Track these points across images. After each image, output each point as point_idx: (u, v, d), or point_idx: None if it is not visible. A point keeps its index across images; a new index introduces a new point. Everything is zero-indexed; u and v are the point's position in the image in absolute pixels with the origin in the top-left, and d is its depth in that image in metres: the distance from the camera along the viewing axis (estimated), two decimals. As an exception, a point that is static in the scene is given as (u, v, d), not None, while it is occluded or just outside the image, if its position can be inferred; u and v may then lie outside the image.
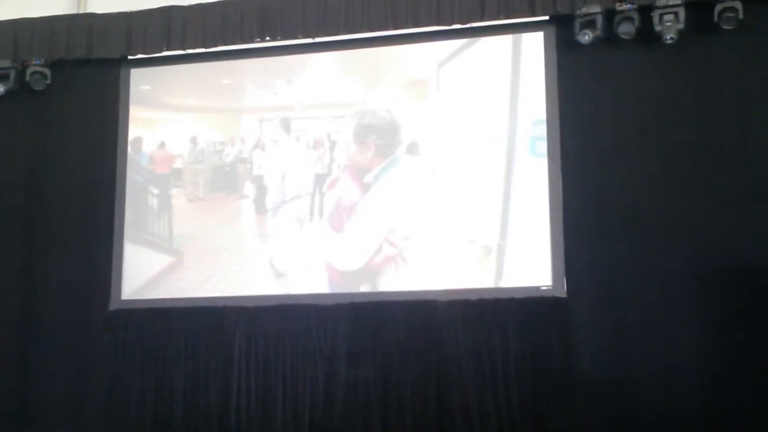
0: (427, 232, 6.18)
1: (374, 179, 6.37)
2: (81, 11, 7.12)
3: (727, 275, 5.52)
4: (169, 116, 6.90)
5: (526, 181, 6.07)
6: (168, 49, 6.69)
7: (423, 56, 6.44)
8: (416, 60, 6.46)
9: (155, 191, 6.80)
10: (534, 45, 6.23)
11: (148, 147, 6.85)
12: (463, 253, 6.09)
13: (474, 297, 5.93)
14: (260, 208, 6.59)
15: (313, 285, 6.34)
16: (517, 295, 5.88)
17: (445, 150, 6.28)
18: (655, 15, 5.76)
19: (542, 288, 5.88)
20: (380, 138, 6.39)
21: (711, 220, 5.65)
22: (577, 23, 5.93)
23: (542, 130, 6.09)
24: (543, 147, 6.07)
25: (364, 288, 6.25)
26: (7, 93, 6.80)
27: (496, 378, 5.76)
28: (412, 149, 6.35)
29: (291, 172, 6.57)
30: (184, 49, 6.67)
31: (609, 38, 5.92)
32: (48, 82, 6.80)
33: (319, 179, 6.51)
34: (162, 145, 6.84)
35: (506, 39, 6.29)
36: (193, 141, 6.78)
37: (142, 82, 6.91)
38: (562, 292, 5.81)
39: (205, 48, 6.63)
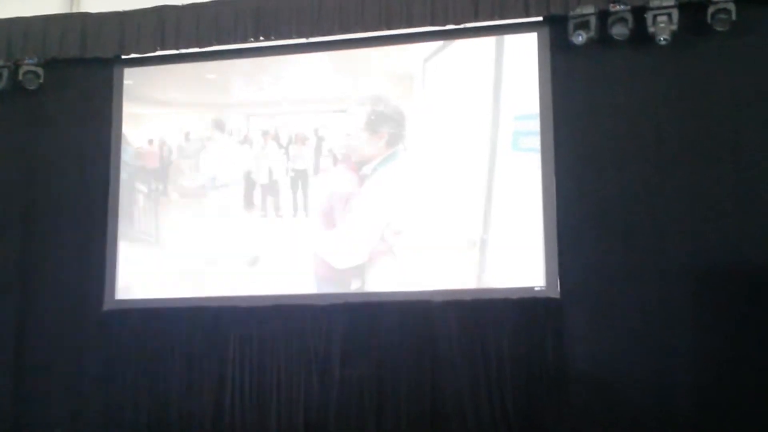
0: (417, 226, 6.19)
1: (372, 171, 6.36)
2: (74, 10, 7.10)
3: (722, 276, 5.54)
4: (155, 111, 6.89)
5: (512, 179, 6.10)
6: (162, 49, 6.68)
7: (410, 52, 6.45)
8: (403, 55, 6.47)
9: (143, 187, 6.80)
10: (517, 40, 6.25)
11: (135, 142, 6.84)
12: (452, 249, 6.10)
13: (468, 297, 5.95)
14: (248, 203, 6.59)
15: (303, 283, 6.35)
16: (510, 296, 5.90)
17: (432, 144, 6.28)
18: (649, 16, 5.77)
19: (536, 288, 5.90)
20: (394, 127, 6.38)
21: (705, 220, 5.67)
22: (571, 24, 5.93)
23: (525, 126, 6.11)
24: (527, 142, 6.10)
25: (355, 284, 6.24)
26: (0, 92, 6.78)
27: (490, 378, 5.78)
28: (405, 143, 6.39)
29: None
30: (177, 49, 6.67)
31: (602, 39, 5.91)
32: (41, 81, 6.78)
33: (300, 175, 6.50)
34: (151, 140, 6.83)
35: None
36: (187, 136, 6.77)
37: (130, 78, 6.89)
38: (555, 293, 5.83)
39: (199, 48, 6.62)
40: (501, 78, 6.24)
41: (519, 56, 6.22)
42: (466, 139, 6.23)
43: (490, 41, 6.29)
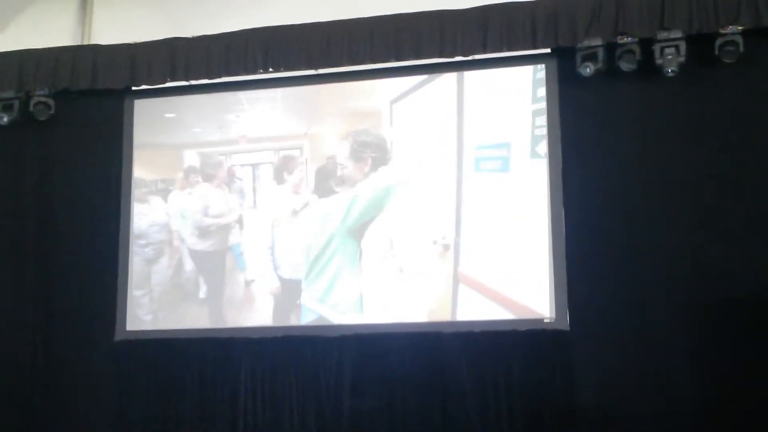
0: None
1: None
2: (85, 42, 7.16)
3: (731, 308, 5.53)
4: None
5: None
6: (172, 80, 6.72)
7: (377, 91, 6.54)
8: (370, 93, 6.55)
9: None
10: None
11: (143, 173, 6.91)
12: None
13: (477, 329, 5.97)
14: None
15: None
16: (520, 327, 5.91)
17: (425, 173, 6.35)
18: (657, 48, 5.78)
19: (545, 320, 5.91)
20: (376, 151, 6.45)
21: (713, 252, 5.66)
22: (579, 56, 5.94)
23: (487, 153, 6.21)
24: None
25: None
26: (11, 123, 6.81)
27: (500, 410, 5.78)
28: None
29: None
30: (187, 80, 6.70)
31: (610, 71, 5.92)
32: (52, 112, 6.81)
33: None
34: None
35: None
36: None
37: (146, 113, 6.94)
38: (565, 325, 5.85)
39: (209, 79, 6.65)
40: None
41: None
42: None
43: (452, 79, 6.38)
